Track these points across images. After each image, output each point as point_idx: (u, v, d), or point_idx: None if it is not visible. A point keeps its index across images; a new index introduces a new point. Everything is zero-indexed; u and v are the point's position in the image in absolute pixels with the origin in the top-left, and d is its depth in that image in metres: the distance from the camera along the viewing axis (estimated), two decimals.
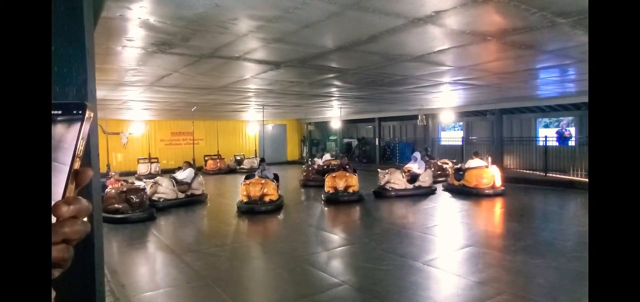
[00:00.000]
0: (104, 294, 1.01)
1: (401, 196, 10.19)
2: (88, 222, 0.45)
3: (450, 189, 11.15)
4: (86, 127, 0.45)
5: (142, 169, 16.30)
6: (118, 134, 17.26)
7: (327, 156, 15.83)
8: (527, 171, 13.88)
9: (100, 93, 8.21)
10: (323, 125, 22.79)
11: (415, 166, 11.03)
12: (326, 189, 9.92)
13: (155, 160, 17.15)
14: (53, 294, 0.43)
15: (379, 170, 11.06)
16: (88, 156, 0.87)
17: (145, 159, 17.09)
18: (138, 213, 7.97)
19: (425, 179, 10.85)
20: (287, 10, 3.13)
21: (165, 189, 9.56)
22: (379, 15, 3.27)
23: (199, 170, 12.73)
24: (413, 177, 10.70)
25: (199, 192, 10.31)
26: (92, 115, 0.46)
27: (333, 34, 3.97)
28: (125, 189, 8.23)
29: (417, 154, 11.61)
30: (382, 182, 10.41)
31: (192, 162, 11.86)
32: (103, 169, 13.07)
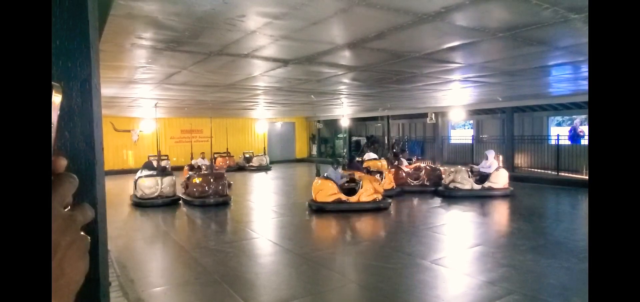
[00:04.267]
0: (108, 288, 1.01)
1: (469, 196, 9.60)
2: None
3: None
4: (55, 111, 0.40)
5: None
6: (129, 131, 17.47)
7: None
8: (539, 170, 13.68)
9: (111, 91, 8.31)
10: (332, 123, 22.76)
11: (485, 165, 10.37)
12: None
13: (165, 157, 17.31)
14: None
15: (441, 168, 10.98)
16: (92, 148, 0.86)
17: (155, 156, 17.26)
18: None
19: (497, 180, 9.96)
20: (295, 6, 3.12)
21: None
22: (387, 11, 3.24)
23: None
24: (482, 177, 10.08)
25: (170, 193, 9.93)
26: (60, 96, 0.41)
27: (340, 30, 3.95)
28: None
29: (490, 153, 10.70)
30: (446, 181, 10.18)
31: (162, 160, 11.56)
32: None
